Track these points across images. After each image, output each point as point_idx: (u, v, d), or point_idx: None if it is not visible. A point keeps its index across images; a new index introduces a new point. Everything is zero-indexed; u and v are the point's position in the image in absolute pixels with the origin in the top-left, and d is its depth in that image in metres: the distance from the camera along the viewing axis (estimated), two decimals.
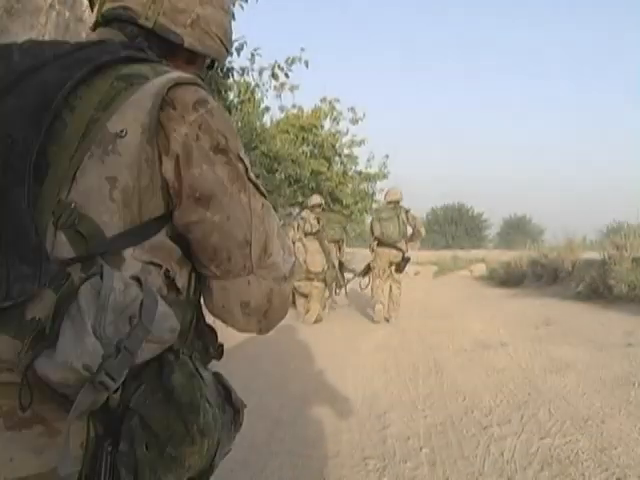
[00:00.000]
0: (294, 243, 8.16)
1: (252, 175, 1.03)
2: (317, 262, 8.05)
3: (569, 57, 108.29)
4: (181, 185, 0.94)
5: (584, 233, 15.97)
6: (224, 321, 1.06)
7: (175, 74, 0.97)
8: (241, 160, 1.01)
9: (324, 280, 8.06)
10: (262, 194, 1.04)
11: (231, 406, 1.06)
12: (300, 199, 13.46)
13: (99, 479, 0.84)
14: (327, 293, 8.24)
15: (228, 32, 1.22)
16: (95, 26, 1.11)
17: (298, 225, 8.41)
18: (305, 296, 7.89)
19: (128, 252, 0.91)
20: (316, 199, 8.72)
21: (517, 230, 49.25)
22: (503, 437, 3.03)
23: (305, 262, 8.01)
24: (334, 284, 8.36)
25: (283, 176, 12.59)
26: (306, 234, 8.23)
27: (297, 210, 9.37)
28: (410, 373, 4.49)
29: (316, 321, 7.65)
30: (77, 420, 0.81)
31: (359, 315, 8.47)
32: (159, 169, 0.93)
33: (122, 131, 0.89)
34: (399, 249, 7.94)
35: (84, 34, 2.89)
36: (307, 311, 7.79)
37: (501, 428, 3.16)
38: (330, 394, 3.85)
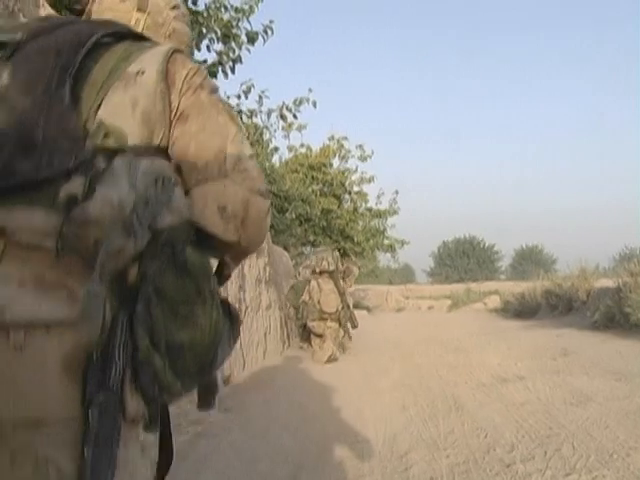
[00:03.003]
0: (309, 282, 8.18)
1: (231, 112, 1.27)
2: (331, 302, 8.02)
3: (578, 78, 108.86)
4: (180, 111, 1.17)
5: (596, 261, 15.91)
6: (205, 228, 1.14)
7: (176, 44, 1.31)
8: (221, 100, 1.26)
9: (338, 320, 8.01)
10: (237, 125, 1.25)
11: (228, 317, 1.15)
12: (311, 238, 13.50)
13: (116, 341, 0.96)
14: (342, 333, 8.19)
15: (192, 46, 1.55)
16: None
17: (313, 263, 8.39)
18: (320, 336, 7.86)
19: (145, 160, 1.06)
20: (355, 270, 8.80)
21: (529, 260, 49.08)
22: (528, 475, 2.99)
23: (319, 302, 7.99)
24: (348, 324, 8.28)
25: (294, 215, 12.65)
26: (321, 272, 8.20)
27: (308, 249, 9.38)
28: (429, 411, 4.45)
29: (330, 360, 7.58)
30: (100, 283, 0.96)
31: (374, 353, 8.42)
32: (169, 102, 1.16)
33: (141, 71, 1.13)
34: None
35: None
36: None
37: (525, 465, 3.11)
38: (350, 436, 3.81)
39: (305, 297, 8.16)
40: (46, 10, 2.51)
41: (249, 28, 7.09)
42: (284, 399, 5.01)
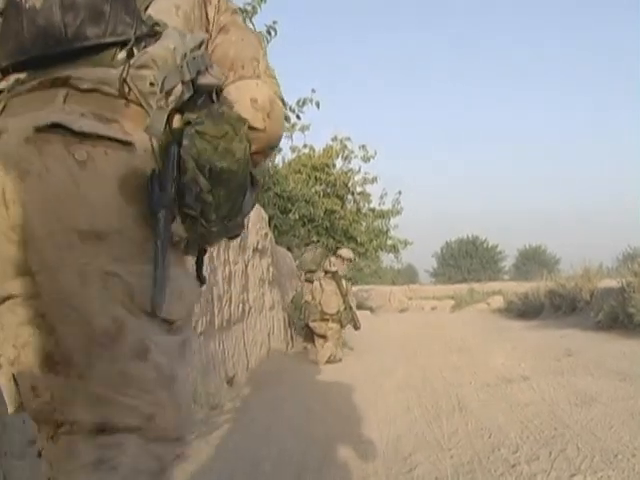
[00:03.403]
0: (312, 283, 8.18)
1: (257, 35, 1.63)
2: (332, 303, 7.98)
3: (581, 78, 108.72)
4: (215, 23, 1.45)
5: (600, 260, 15.87)
6: (238, 105, 1.36)
7: None
8: (252, 29, 1.60)
9: (339, 321, 7.98)
10: (264, 49, 1.54)
11: (251, 182, 1.35)
12: (315, 238, 13.48)
13: (169, 165, 1.14)
14: (344, 333, 8.17)
15: None
16: None
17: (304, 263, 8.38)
18: (323, 336, 7.84)
19: None
20: (348, 253, 8.71)
21: (532, 261, 49.02)
22: (532, 475, 2.98)
23: (320, 303, 7.98)
24: (351, 325, 8.24)
25: (297, 216, 12.64)
26: (325, 272, 8.19)
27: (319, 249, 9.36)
28: (434, 412, 4.45)
29: (330, 361, 7.57)
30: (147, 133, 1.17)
31: (378, 353, 8.42)
32: (205, 13, 1.43)
33: None
34: None
35: None
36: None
37: (530, 466, 3.11)
38: (354, 437, 3.81)
39: (308, 297, 8.16)
40: None
41: (252, 29, 7.09)
42: (288, 400, 5.01)
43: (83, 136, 1.10)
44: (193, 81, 1.22)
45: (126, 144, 1.13)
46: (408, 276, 49.38)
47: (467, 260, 52.11)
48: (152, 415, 1.12)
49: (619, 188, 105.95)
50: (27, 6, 1.20)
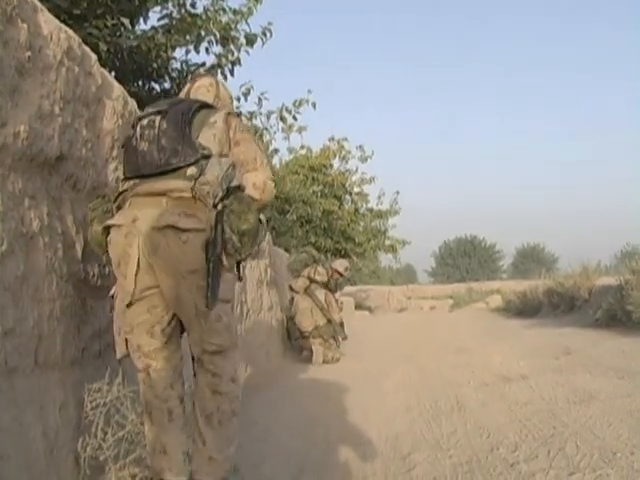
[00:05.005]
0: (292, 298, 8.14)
1: (256, 139, 2.90)
2: (306, 321, 7.88)
3: (582, 77, 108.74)
4: (233, 139, 2.67)
5: (598, 258, 15.88)
6: (245, 189, 2.61)
7: (228, 109, 2.93)
8: (255, 139, 2.84)
9: (320, 336, 7.83)
10: (259, 145, 2.82)
11: (261, 222, 2.62)
12: (312, 239, 13.47)
13: (218, 233, 2.40)
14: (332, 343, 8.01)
15: (232, 104, 3.41)
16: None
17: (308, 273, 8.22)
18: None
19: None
20: (342, 266, 8.64)
21: (531, 259, 49.04)
22: (531, 474, 2.98)
23: (298, 321, 7.94)
24: (333, 338, 8.04)
25: (295, 217, 12.64)
26: (312, 281, 8.09)
27: (315, 253, 9.32)
28: (432, 411, 4.45)
29: (327, 362, 7.58)
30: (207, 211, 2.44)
31: (377, 353, 8.42)
32: (228, 135, 2.65)
33: (215, 121, 2.63)
34: None
35: (94, 88, 2.97)
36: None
37: (528, 465, 3.11)
38: (353, 437, 3.81)
39: (293, 312, 8.10)
40: (44, 15, 2.50)
41: (248, 30, 7.09)
42: (287, 401, 5.01)
43: (184, 230, 2.39)
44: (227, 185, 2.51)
45: (201, 230, 2.41)
46: (407, 276, 49.44)
47: (465, 259, 52.19)
48: (220, 342, 2.53)
49: (618, 186, 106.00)
50: (139, 148, 2.51)
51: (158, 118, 2.51)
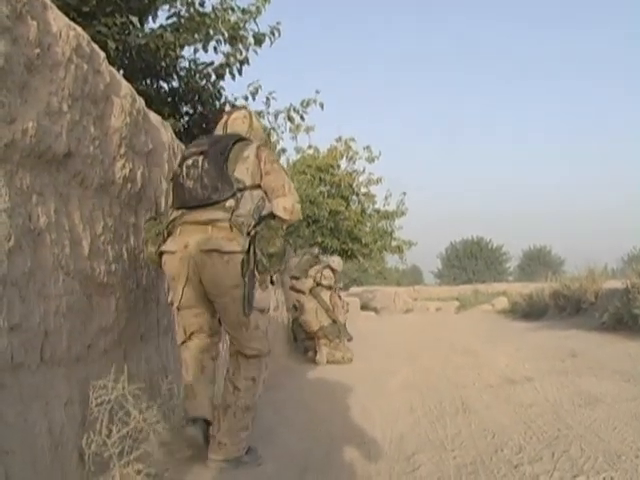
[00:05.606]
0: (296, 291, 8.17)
1: (283, 167, 3.47)
2: (312, 322, 7.94)
3: (584, 77, 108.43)
4: (264, 170, 3.21)
5: (605, 261, 15.83)
6: (277, 214, 3.17)
7: (259, 142, 3.42)
8: (282, 167, 3.41)
9: (325, 336, 7.86)
10: (287, 173, 3.41)
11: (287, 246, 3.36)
12: (319, 239, 13.47)
13: (250, 254, 3.03)
14: (338, 342, 7.99)
15: (266, 137, 3.99)
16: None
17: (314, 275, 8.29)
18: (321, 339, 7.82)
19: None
20: (338, 265, 8.68)
21: (537, 262, 48.92)
22: (535, 476, 2.97)
23: (301, 323, 8.03)
24: (338, 339, 8.02)
25: (301, 217, 12.60)
26: (317, 284, 8.13)
27: (316, 250, 9.33)
28: (437, 412, 4.45)
29: (336, 362, 7.60)
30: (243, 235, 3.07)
31: (382, 354, 8.41)
32: (259, 167, 3.20)
33: (247, 155, 3.19)
34: None
35: (102, 85, 2.97)
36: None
37: (533, 466, 3.10)
38: (357, 437, 3.81)
39: (298, 313, 8.15)
40: (54, 13, 2.51)
41: (256, 30, 7.08)
42: (291, 400, 5.00)
43: (226, 252, 2.97)
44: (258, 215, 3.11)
45: (239, 252, 2.97)
46: (413, 277, 49.39)
47: (472, 261, 52.08)
48: (259, 347, 3.23)
49: (625, 189, 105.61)
50: (186, 185, 3.06)
51: (201, 158, 3.09)
